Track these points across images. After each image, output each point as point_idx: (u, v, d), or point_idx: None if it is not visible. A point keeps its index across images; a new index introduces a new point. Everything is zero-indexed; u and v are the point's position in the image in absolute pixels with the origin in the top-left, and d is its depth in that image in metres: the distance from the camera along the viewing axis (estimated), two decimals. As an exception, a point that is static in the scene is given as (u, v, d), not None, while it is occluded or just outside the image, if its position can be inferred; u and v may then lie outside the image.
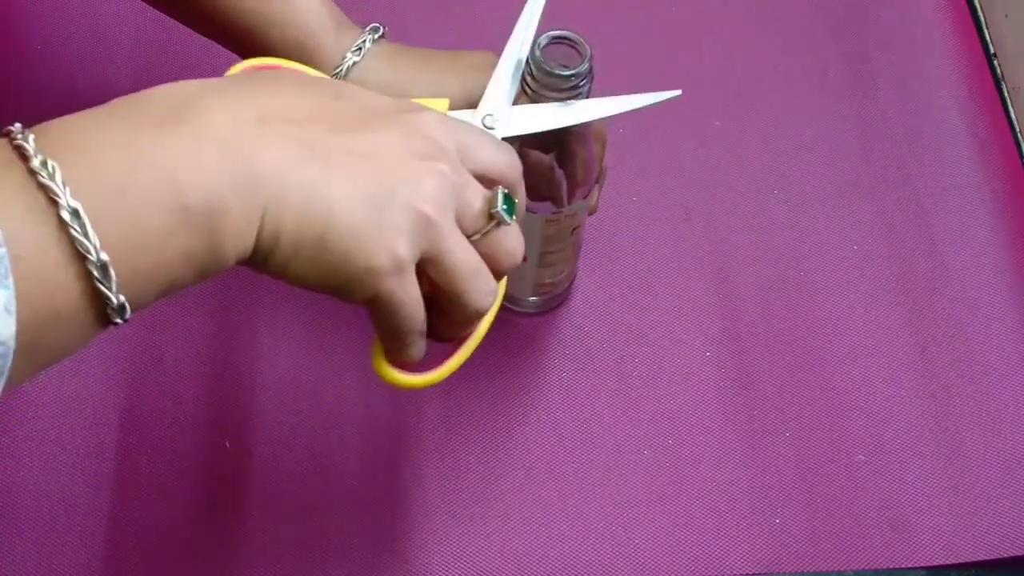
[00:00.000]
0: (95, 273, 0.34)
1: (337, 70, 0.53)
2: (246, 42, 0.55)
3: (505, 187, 0.44)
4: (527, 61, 0.49)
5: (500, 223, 0.43)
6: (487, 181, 0.44)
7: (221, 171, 0.36)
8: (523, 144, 0.51)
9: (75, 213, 0.33)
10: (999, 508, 0.61)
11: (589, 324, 0.66)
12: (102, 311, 0.35)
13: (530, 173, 0.53)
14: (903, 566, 0.60)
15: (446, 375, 0.47)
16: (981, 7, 0.80)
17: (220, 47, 0.57)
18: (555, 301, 0.66)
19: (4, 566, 0.58)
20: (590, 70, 0.48)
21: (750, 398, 0.64)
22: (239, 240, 0.37)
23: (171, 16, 0.58)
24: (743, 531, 0.61)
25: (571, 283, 0.65)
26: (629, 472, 0.62)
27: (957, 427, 0.64)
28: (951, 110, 0.73)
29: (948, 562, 0.60)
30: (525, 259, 0.58)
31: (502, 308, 0.65)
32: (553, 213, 0.55)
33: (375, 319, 0.42)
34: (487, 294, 0.44)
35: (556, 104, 0.49)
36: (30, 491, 0.60)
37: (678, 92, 0.50)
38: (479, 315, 0.44)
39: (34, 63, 0.72)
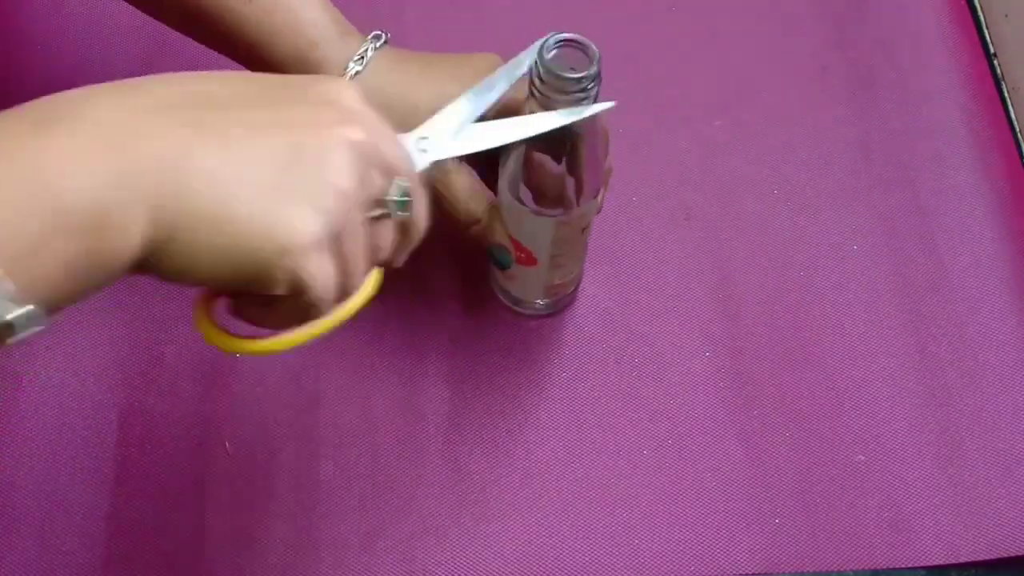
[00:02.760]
0: None
1: None
2: (250, 55, 0.55)
3: (404, 184, 0.42)
4: (534, 64, 0.48)
5: (389, 215, 0.42)
6: (387, 173, 0.42)
7: (99, 167, 0.34)
8: (531, 148, 0.51)
9: None
10: (999, 508, 0.61)
11: (589, 324, 0.66)
12: None
13: (540, 176, 0.53)
14: (903, 566, 0.60)
15: (292, 344, 0.43)
16: (981, 7, 0.80)
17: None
18: (563, 303, 0.65)
19: (4, 566, 0.58)
20: (598, 73, 0.48)
21: (750, 398, 0.64)
22: (127, 238, 0.34)
23: (177, 29, 0.58)
24: (743, 531, 0.61)
25: (578, 285, 0.65)
26: (629, 472, 0.62)
27: (957, 427, 0.64)
28: (951, 110, 0.73)
29: (948, 562, 0.60)
30: (536, 262, 0.58)
31: (511, 312, 0.65)
32: (564, 214, 0.55)
33: (283, 302, 0.39)
34: (359, 277, 0.41)
35: (500, 122, 0.49)
36: (30, 491, 0.60)
37: (611, 104, 0.49)
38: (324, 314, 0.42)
39: (34, 63, 0.72)
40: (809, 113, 0.73)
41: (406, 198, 0.42)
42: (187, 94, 0.38)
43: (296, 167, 0.37)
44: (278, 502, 0.61)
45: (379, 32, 0.55)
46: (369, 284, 0.45)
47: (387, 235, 0.43)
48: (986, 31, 0.79)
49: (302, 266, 0.37)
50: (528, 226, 0.56)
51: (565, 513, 0.61)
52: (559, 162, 0.53)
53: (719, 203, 0.70)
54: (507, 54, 0.55)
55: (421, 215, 0.44)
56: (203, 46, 0.57)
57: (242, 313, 0.42)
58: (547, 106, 0.49)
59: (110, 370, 0.63)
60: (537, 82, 0.48)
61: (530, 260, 0.58)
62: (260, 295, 0.39)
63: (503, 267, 0.60)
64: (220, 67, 0.58)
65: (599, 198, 0.58)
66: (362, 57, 0.54)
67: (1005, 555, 0.60)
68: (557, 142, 0.50)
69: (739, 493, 0.62)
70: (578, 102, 0.48)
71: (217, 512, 0.60)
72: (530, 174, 0.53)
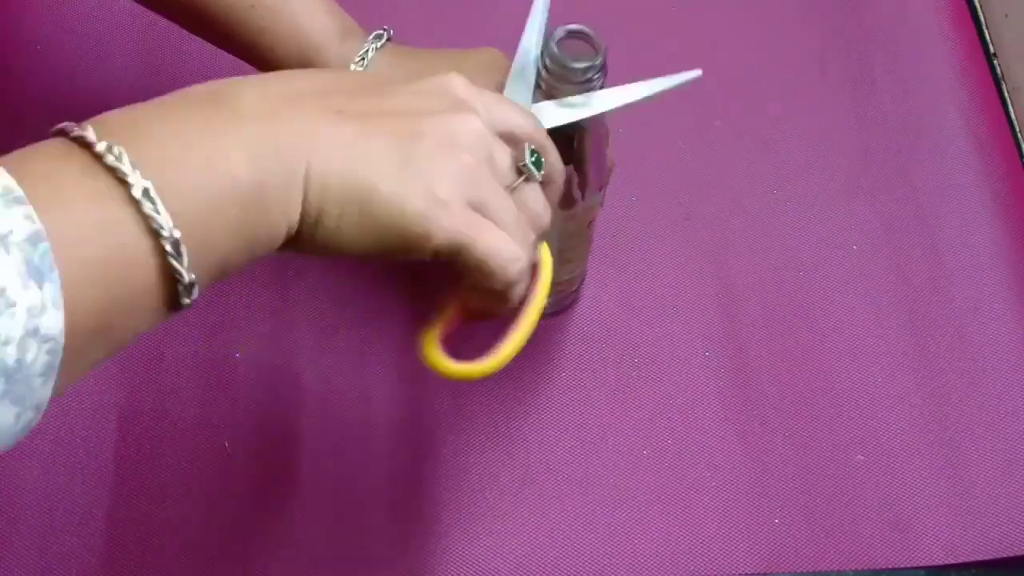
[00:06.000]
0: (168, 249, 0.35)
1: None
2: (253, 56, 0.55)
3: (533, 145, 0.45)
4: (541, 55, 0.49)
5: (528, 179, 0.44)
6: (513, 141, 0.44)
7: (260, 145, 0.37)
8: None
9: (146, 192, 0.34)
10: (999, 508, 0.61)
11: (589, 324, 0.66)
12: (171, 291, 0.36)
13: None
14: (903, 566, 0.60)
15: (499, 364, 0.46)
16: (981, 7, 0.80)
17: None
18: (567, 301, 0.65)
19: (4, 566, 0.58)
20: (603, 64, 0.48)
21: (750, 398, 0.64)
22: (286, 210, 0.38)
23: (181, 26, 0.58)
24: (743, 531, 0.61)
25: (581, 283, 0.65)
26: (629, 472, 0.62)
27: (957, 427, 0.64)
28: (951, 110, 0.73)
29: (948, 562, 0.60)
30: None
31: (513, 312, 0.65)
32: (570, 208, 0.55)
33: (464, 275, 0.42)
34: (530, 247, 0.44)
35: (575, 97, 0.49)
36: (30, 490, 0.60)
37: (698, 72, 0.50)
38: (522, 274, 0.44)
39: (34, 63, 0.72)
40: (809, 113, 0.73)
41: (538, 157, 0.44)
42: (320, 84, 0.41)
43: (419, 145, 0.40)
44: (277, 502, 0.61)
45: (381, 31, 0.55)
46: (545, 262, 0.46)
47: (537, 197, 0.45)
48: (986, 31, 0.79)
49: (437, 226, 0.40)
50: None
51: (565, 513, 0.61)
52: (563, 157, 0.53)
53: (719, 203, 0.70)
54: (506, 50, 0.55)
55: (557, 165, 0.47)
56: (201, 43, 0.57)
57: (460, 306, 0.46)
58: (552, 96, 0.49)
59: (110, 370, 0.63)
60: (543, 72, 0.49)
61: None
62: (463, 286, 0.43)
63: None
64: (218, 65, 0.58)
65: (603, 192, 0.58)
66: (363, 58, 0.54)
67: (1005, 555, 0.60)
68: (561, 136, 0.51)
69: (739, 493, 0.62)
70: (583, 92, 0.49)
71: (217, 512, 0.60)
72: None
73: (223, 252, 0.37)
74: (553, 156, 0.46)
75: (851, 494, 0.62)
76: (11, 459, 0.61)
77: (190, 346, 0.64)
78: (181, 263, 0.35)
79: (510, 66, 0.51)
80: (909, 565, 0.60)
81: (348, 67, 0.54)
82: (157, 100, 0.38)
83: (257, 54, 0.55)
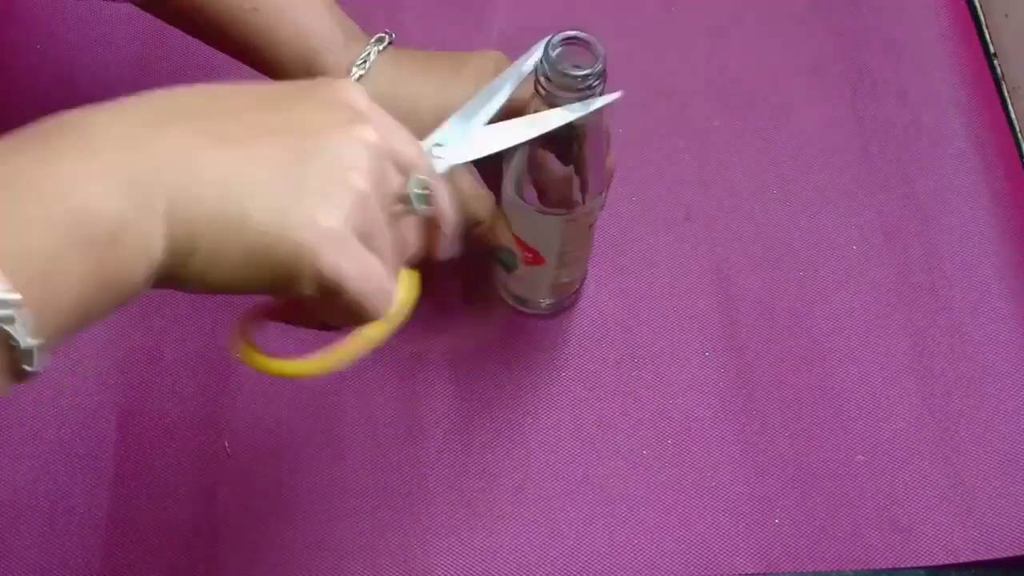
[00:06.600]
0: (2, 316, 0.31)
1: None
2: (254, 59, 0.55)
3: (421, 178, 0.42)
4: (540, 62, 0.49)
5: (410, 210, 0.41)
6: (403, 169, 0.41)
7: (110, 180, 0.34)
8: (535, 147, 0.51)
9: None
10: (999, 508, 0.61)
11: (588, 324, 0.66)
12: (11, 360, 0.32)
13: (545, 176, 0.53)
14: (903, 566, 0.60)
15: (321, 369, 0.43)
16: (981, 7, 0.80)
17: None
18: (567, 302, 0.65)
19: (4, 566, 0.58)
20: (603, 70, 0.48)
21: (749, 398, 0.64)
22: (146, 249, 0.34)
23: (183, 30, 0.58)
24: (743, 531, 0.61)
25: (582, 283, 0.65)
26: (628, 472, 0.62)
27: (956, 427, 0.64)
28: (951, 110, 0.73)
29: (948, 562, 0.60)
30: (544, 261, 0.58)
31: (513, 311, 0.65)
32: (571, 212, 0.55)
33: (339, 312, 0.39)
34: (389, 291, 0.41)
35: (511, 122, 0.49)
36: (29, 490, 0.60)
37: (618, 94, 0.49)
38: (375, 314, 0.40)
39: (34, 63, 0.72)
40: (809, 113, 0.73)
41: (424, 191, 0.41)
42: (195, 104, 0.38)
43: (308, 167, 0.37)
44: (278, 502, 0.61)
45: (383, 34, 0.55)
46: (410, 285, 0.44)
47: (412, 231, 0.43)
48: (986, 31, 0.79)
49: (324, 263, 0.37)
50: (535, 226, 0.56)
51: (565, 513, 0.61)
52: (564, 160, 0.53)
53: (719, 203, 0.70)
54: (507, 52, 0.55)
55: (446, 208, 0.44)
56: (201, 43, 0.57)
57: (294, 322, 0.42)
58: (553, 104, 0.49)
59: (110, 370, 0.63)
60: (543, 80, 0.49)
61: (537, 260, 0.58)
62: (308, 306, 0.39)
63: (509, 268, 0.60)
64: (218, 64, 0.58)
65: (603, 194, 0.58)
66: (364, 61, 0.54)
67: (1005, 555, 0.60)
68: (561, 140, 0.51)
69: (739, 493, 0.62)
70: (583, 99, 0.49)
71: (217, 512, 0.60)
72: (535, 174, 0.53)
73: (75, 303, 0.33)
74: (443, 200, 0.43)
75: (851, 494, 0.62)
76: (12, 458, 0.61)
77: (190, 346, 0.64)
78: (16, 329, 0.31)
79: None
80: (909, 565, 0.60)
81: (350, 70, 0.54)
82: (5, 137, 0.34)
83: (258, 57, 0.55)
